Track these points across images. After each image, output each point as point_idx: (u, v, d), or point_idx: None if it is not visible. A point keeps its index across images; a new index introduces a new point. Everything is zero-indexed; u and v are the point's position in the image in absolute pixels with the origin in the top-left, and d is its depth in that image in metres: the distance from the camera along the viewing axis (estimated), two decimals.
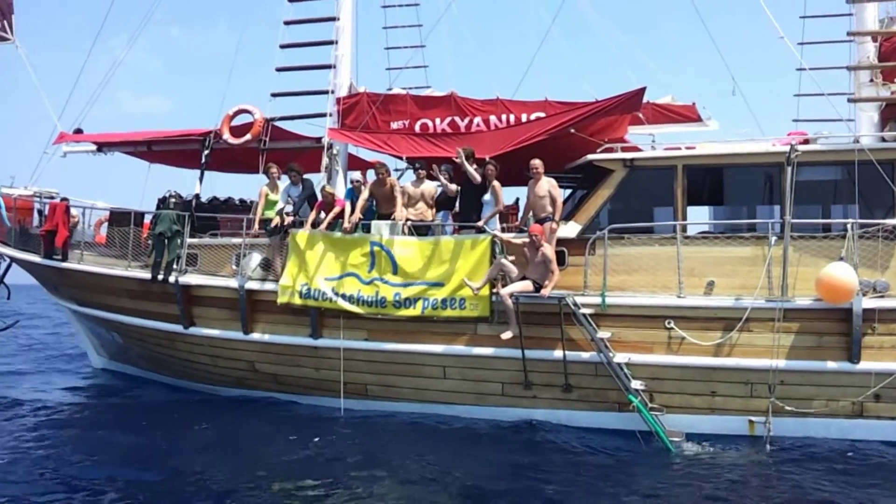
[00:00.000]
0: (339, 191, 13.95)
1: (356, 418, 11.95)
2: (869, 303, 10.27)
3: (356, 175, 13.28)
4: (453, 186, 12.20)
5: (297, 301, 12.32)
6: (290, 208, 13.09)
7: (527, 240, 11.13)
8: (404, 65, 17.69)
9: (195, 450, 10.17)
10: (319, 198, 12.88)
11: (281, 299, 12.39)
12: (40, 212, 15.68)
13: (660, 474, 9.26)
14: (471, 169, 11.83)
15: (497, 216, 11.97)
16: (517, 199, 14.53)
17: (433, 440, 10.82)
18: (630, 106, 12.63)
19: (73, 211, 15.14)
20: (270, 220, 12.94)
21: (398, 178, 16.07)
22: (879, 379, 10.13)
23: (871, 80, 12.88)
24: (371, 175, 12.89)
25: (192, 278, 13.14)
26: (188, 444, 10.46)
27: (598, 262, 11.34)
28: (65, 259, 14.43)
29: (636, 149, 12.54)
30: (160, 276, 13.17)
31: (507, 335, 11.00)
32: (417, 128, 14.55)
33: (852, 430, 10.38)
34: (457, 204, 12.25)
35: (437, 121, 14.63)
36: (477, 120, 14.42)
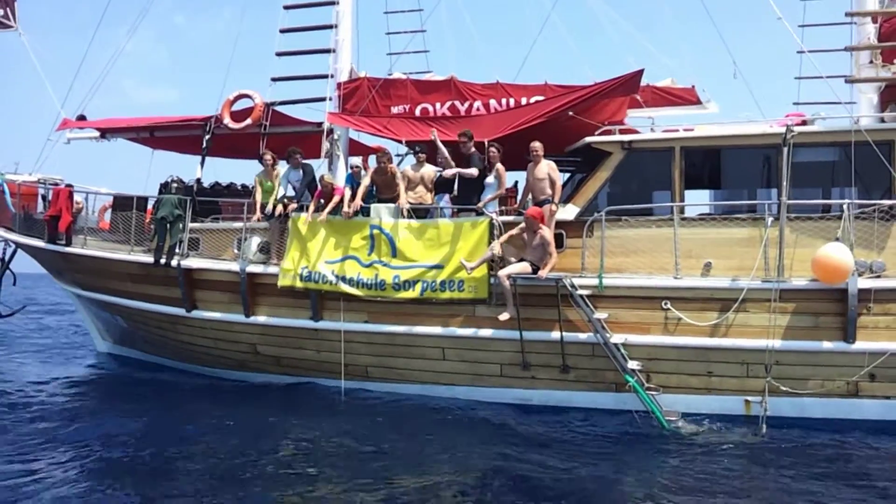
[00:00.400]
0: (340, 175, 14.03)
1: (357, 399, 12.08)
2: (864, 283, 10.31)
3: (356, 160, 13.36)
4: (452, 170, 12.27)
5: (298, 284, 12.42)
6: (291, 193, 13.17)
7: (523, 226, 11.20)
8: (404, 49, 17.68)
9: (196, 432, 10.26)
10: (319, 186, 12.96)
11: (282, 282, 12.49)
12: (44, 197, 15.80)
13: (655, 452, 9.38)
14: (444, 150, 12.25)
15: (497, 199, 12.05)
16: (516, 182, 14.60)
17: (432, 421, 10.93)
18: (628, 88, 12.65)
19: (77, 197, 15.27)
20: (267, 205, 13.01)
21: (399, 164, 16.19)
22: (874, 358, 10.18)
23: (871, 62, 12.87)
24: (373, 161, 12.96)
25: (193, 262, 13.27)
26: (188, 427, 10.53)
27: (595, 244, 11.42)
28: (68, 244, 14.56)
29: (635, 131, 12.58)
30: (162, 260, 13.30)
31: (504, 316, 11.08)
32: (418, 112, 14.62)
33: (847, 409, 10.44)
34: (455, 187, 12.29)
35: (438, 105, 14.68)
36: (477, 104, 14.45)
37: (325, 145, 14.34)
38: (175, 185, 14.17)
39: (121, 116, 17.95)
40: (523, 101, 14.08)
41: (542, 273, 10.84)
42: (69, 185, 15.33)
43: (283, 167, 13.51)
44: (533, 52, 17.13)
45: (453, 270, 11.72)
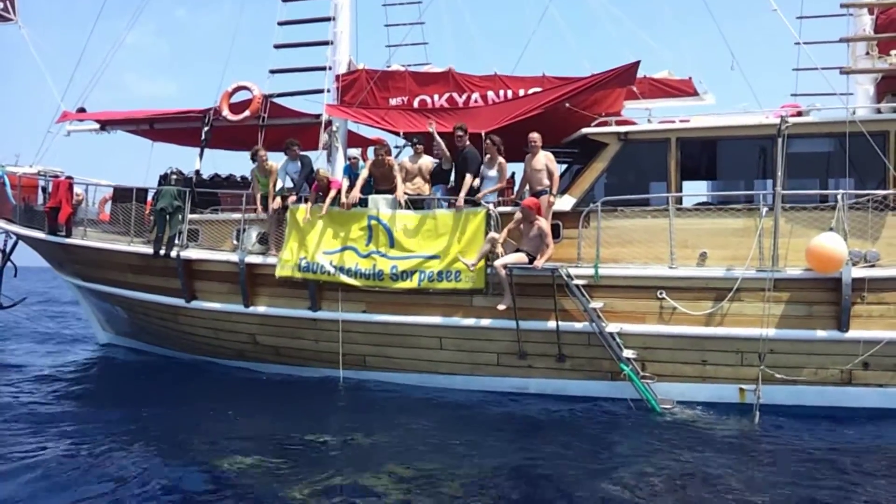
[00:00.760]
0: (339, 167, 14.09)
1: (355, 389, 12.18)
2: (858, 272, 10.39)
3: (354, 152, 13.42)
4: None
5: (297, 274, 12.51)
6: (290, 185, 13.22)
7: (519, 217, 11.28)
8: (402, 41, 17.73)
9: (193, 423, 10.28)
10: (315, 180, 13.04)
11: (280, 273, 12.58)
12: (44, 189, 15.87)
13: (648, 438, 9.46)
14: (441, 143, 12.31)
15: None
16: (513, 174, 14.64)
17: (429, 410, 11.01)
18: (625, 80, 12.69)
19: (78, 188, 15.36)
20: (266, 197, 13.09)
21: (397, 155, 16.25)
22: (867, 347, 10.26)
23: (868, 53, 12.90)
24: (372, 153, 13.03)
25: (193, 253, 13.35)
26: (186, 416, 10.60)
27: (591, 235, 11.49)
28: (68, 235, 14.65)
29: (632, 122, 12.63)
30: (162, 251, 13.38)
31: (502, 306, 11.17)
32: (416, 104, 14.64)
33: (840, 397, 10.53)
34: (452, 178, 12.35)
35: (436, 97, 14.72)
36: (475, 95, 14.50)
37: (324, 137, 14.39)
38: (174, 176, 14.25)
39: (120, 109, 18.02)
40: (521, 92, 14.10)
41: (538, 263, 10.91)
42: (69, 177, 15.41)
43: (281, 160, 13.54)
44: (531, 46, 17.16)
45: (451, 261, 11.80)
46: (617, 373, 10.85)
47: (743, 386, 10.75)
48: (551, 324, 11.27)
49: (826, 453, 8.83)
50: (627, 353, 10.78)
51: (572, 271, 11.03)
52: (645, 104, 14.33)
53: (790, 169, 11.49)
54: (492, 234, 11.44)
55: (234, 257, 12.93)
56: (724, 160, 12.25)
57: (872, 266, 10.61)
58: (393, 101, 14.80)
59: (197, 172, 14.85)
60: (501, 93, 14.38)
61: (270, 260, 12.78)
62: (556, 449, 8.96)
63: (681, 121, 12.27)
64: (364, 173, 12.59)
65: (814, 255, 10.35)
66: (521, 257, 11.10)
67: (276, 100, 15.01)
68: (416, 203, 12.29)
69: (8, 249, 16.55)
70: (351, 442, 9.37)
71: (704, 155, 12.33)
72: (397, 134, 14.14)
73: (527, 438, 9.48)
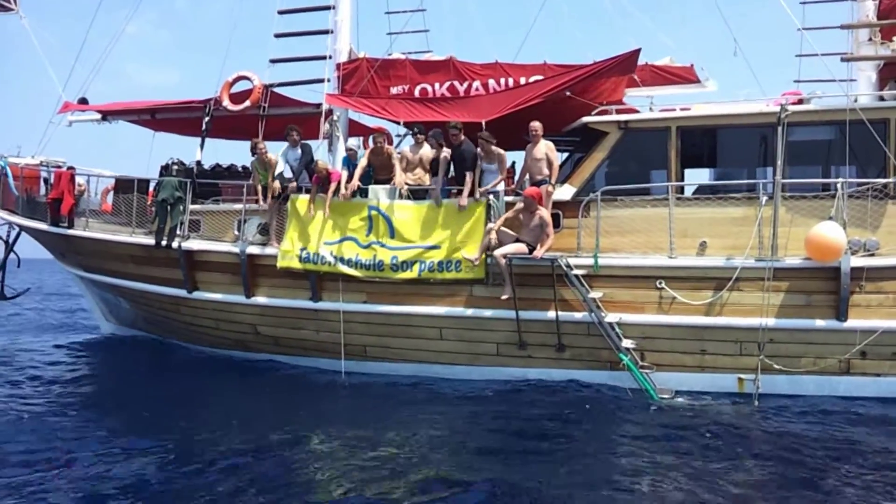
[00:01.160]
0: (340, 156, 14.08)
1: (356, 379, 12.25)
2: (857, 261, 10.38)
3: (354, 142, 13.41)
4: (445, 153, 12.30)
5: (297, 265, 12.54)
6: (289, 173, 13.21)
7: (519, 206, 11.28)
8: (403, 28, 17.66)
9: (195, 414, 10.34)
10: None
11: (281, 263, 12.61)
12: (46, 180, 15.91)
13: (646, 429, 9.48)
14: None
15: (501, 183, 12.07)
16: (514, 163, 14.63)
17: (429, 400, 11.06)
18: (625, 68, 12.67)
19: (80, 179, 15.41)
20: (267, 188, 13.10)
21: (399, 144, 16.24)
22: (866, 336, 10.27)
23: (870, 39, 12.82)
24: (371, 142, 13.01)
25: (194, 244, 13.38)
26: (187, 408, 10.64)
27: (591, 224, 11.49)
28: (70, 226, 14.70)
29: (633, 110, 12.59)
30: (163, 242, 13.42)
31: (504, 296, 11.19)
32: (417, 92, 14.63)
33: (839, 386, 10.55)
34: (451, 168, 12.33)
35: (437, 85, 14.70)
36: (476, 84, 14.47)
37: (325, 127, 14.38)
38: (176, 167, 14.24)
39: (122, 100, 18.04)
40: (522, 80, 14.07)
41: (538, 253, 10.91)
42: (71, 168, 15.45)
43: (274, 151, 13.54)
44: (533, 33, 17.12)
45: (451, 251, 11.82)
46: (616, 362, 10.87)
47: (742, 375, 10.78)
48: (551, 314, 11.29)
49: (821, 442, 8.83)
50: (626, 343, 10.80)
51: (572, 261, 11.03)
52: (647, 92, 14.28)
53: (792, 157, 11.47)
54: (490, 225, 11.44)
55: (235, 248, 12.96)
56: (724, 149, 12.20)
57: (872, 255, 10.60)
58: (394, 90, 14.80)
59: (198, 163, 14.88)
60: (503, 81, 14.36)
61: (271, 251, 12.80)
62: (553, 438, 8.98)
63: (681, 109, 12.24)
64: (363, 162, 12.59)
65: (813, 244, 10.33)
66: (520, 247, 11.10)
67: (277, 89, 15.00)
68: (416, 193, 12.29)
69: (11, 240, 16.63)
70: (353, 433, 9.40)
71: (705, 144, 12.27)
72: (398, 123, 14.13)
73: (523, 428, 9.48)
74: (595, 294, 10.99)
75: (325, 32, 14.76)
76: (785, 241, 10.80)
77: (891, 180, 10.77)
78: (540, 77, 13.79)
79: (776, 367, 10.48)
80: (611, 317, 10.95)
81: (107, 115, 17.08)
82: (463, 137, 12.06)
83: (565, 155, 14.61)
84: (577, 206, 11.64)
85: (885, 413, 9.93)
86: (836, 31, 14.24)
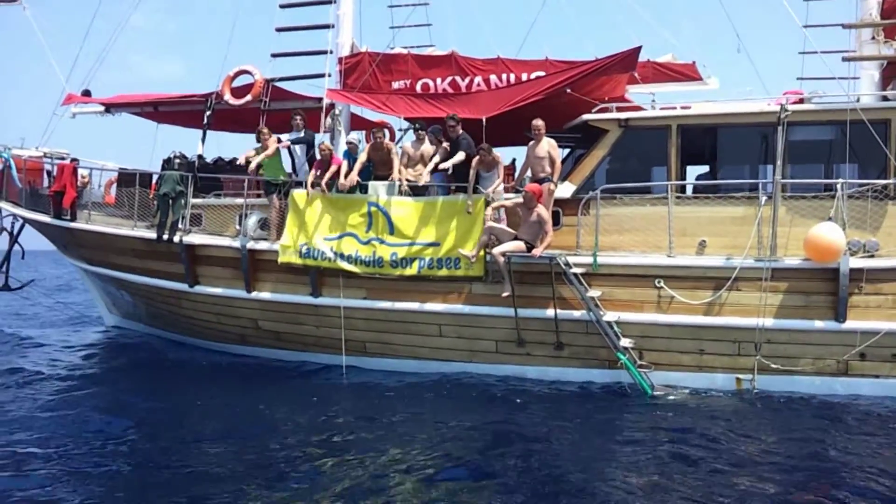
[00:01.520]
0: (342, 151, 14.09)
1: (355, 375, 12.31)
2: (856, 262, 10.36)
3: (354, 136, 13.41)
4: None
5: (297, 260, 12.58)
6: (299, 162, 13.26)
7: (520, 200, 11.29)
8: (405, 22, 17.65)
9: (198, 410, 10.41)
10: (318, 156, 13.08)
11: (281, 259, 12.64)
12: (49, 173, 15.97)
13: (642, 426, 9.52)
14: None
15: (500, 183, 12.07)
16: (514, 160, 14.63)
17: (428, 397, 11.11)
18: (626, 65, 12.63)
19: (83, 171, 15.45)
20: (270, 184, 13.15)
21: (401, 138, 16.25)
22: (865, 338, 10.28)
23: (873, 38, 12.77)
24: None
25: (195, 238, 13.42)
26: (190, 406, 10.67)
27: (591, 222, 11.51)
28: (73, 219, 14.75)
29: (636, 108, 12.58)
30: (165, 236, 13.46)
31: (505, 293, 11.21)
32: (419, 87, 14.62)
33: (837, 387, 10.55)
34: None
35: (438, 80, 14.68)
36: (477, 79, 14.44)
37: (327, 121, 14.39)
38: (178, 160, 14.28)
39: (129, 91, 18.09)
40: (524, 76, 14.05)
41: (537, 252, 10.92)
42: (75, 160, 15.49)
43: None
44: (536, 28, 17.05)
45: (450, 248, 11.84)
46: (614, 361, 10.89)
47: (739, 376, 10.80)
48: (550, 312, 11.31)
49: (818, 443, 8.85)
50: (624, 342, 10.81)
51: (571, 259, 11.05)
52: (648, 89, 14.26)
53: (794, 156, 11.47)
54: (490, 223, 11.45)
55: (236, 243, 13.00)
56: (725, 147, 12.17)
57: (871, 256, 10.59)
58: (395, 85, 14.79)
59: (199, 157, 14.92)
60: (504, 76, 14.32)
61: (272, 245, 12.84)
62: (549, 437, 9.02)
63: (682, 107, 12.22)
64: (362, 157, 12.60)
65: (812, 245, 10.33)
66: (519, 245, 11.11)
67: (278, 84, 15.00)
68: (416, 190, 12.30)
69: (15, 232, 16.70)
70: (353, 430, 9.46)
71: (705, 142, 12.25)
72: (399, 118, 14.12)
73: (519, 426, 9.52)
74: (594, 293, 11.00)
75: (327, 27, 14.74)
76: (785, 241, 10.81)
77: (891, 181, 10.74)
78: (542, 73, 13.79)
79: (773, 367, 10.49)
80: (609, 315, 10.97)
81: (110, 107, 17.13)
82: (461, 131, 12.07)
83: (566, 152, 14.59)
84: (577, 204, 11.65)
85: (882, 414, 9.94)
86: (839, 29, 14.21)
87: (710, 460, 8.00)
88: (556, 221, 11.84)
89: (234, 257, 13.01)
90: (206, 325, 14.06)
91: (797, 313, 10.59)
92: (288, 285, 12.86)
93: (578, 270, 10.95)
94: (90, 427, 9.47)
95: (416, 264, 12.00)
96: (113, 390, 11.71)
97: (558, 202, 11.86)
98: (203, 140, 15.13)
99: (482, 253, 11.47)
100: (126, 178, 15.23)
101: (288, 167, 13.62)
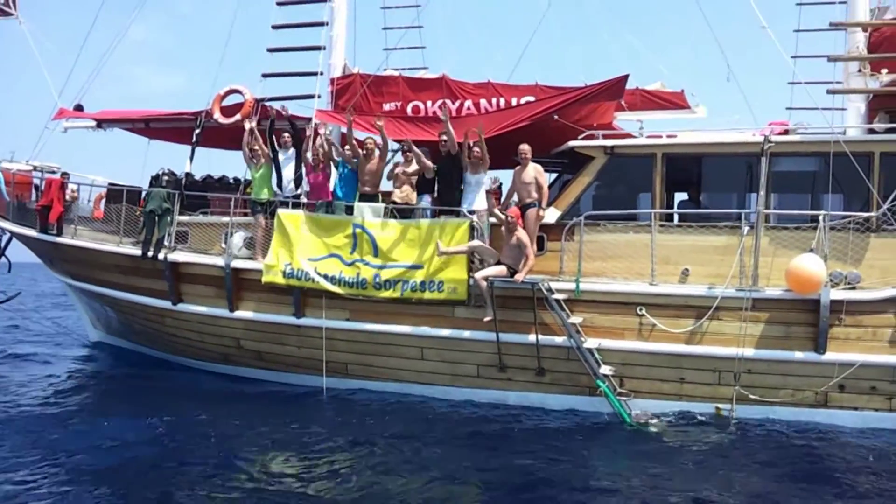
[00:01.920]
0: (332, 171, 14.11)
1: (336, 397, 12.24)
2: (837, 294, 10.36)
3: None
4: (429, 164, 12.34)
5: (281, 280, 12.54)
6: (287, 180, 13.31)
7: (502, 216, 11.30)
8: (397, 44, 17.77)
9: (176, 431, 10.28)
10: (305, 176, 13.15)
11: (265, 278, 12.61)
12: (37, 187, 15.98)
13: (620, 454, 9.49)
14: (422, 156, 12.22)
15: (483, 198, 12.08)
16: (500, 184, 14.66)
17: (409, 421, 11.03)
18: (613, 93, 12.71)
19: (73, 186, 15.45)
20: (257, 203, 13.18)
21: (391, 158, 16.26)
22: (844, 369, 10.24)
23: (860, 71, 12.87)
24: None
25: (180, 255, 13.40)
26: (171, 425, 10.54)
27: (575, 248, 11.51)
28: (59, 234, 14.73)
29: (622, 135, 12.64)
30: (150, 253, 13.44)
31: (487, 317, 11.20)
32: (409, 109, 14.68)
33: (817, 418, 10.50)
34: (436, 188, 12.37)
35: (429, 103, 14.72)
36: (468, 103, 14.50)
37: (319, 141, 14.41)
38: (166, 177, 14.33)
39: (132, 107, 18.14)
40: (514, 101, 14.11)
41: (519, 277, 10.91)
42: (65, 174, 15.52)
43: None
44: (528, 53, 17.18)
45: (433, 271, 11.82)
46: (595, 388, 10.83)
47: (719, 405, 10.74)
48: (531, 337, 11.28)
49: (794, 473, 8.83)
50: (604, 370, 10.78)
51: (554, 285, 11.03)
52: (637, 116, 14.34)
53: (779, 186, 11.53)
54: (474, 241, 11.45)
55: (220, 261, 12.97)
56: (709, 176, 12.22)
57: (853, 288, 10.60)
58: (386, 106, 14.84)
59: (187, 174, 14.92)
60: (494, 101, 14.38)
61: (256, 265, 12.81)
62: (529, 462, 9.00)
63: (668, 136, 12.26)
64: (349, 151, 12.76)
65: (792, 276, 10.33)
66: (500, 270, 11.11)
67: (269, 103, 15.02)
68: (402, 212, 12.31)
69: (3, 246, 16.66)
70: (331, 452, 9.42)
71: (690, 171, 12.29)
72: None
73: (499, 451, 9.49)
74: (576, 319, 10.98)
75: (318, 48, 14.80)
76: (768, 272, 10.81)
77: (873, 214, 10.77)
78: (531, 98, 13.86)
79: (752, 397, 10.46)
80: (590, 342, 10.93)
81: (101, 122, 17.16)
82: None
83: (554, 175, 14.65)
84: (561, 230, 11.67)
85: (862, 445, 9.90)
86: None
87: (686, 495, 7.95)
88: (540, 247, 11.86)
89: (218, 276, 12.99)
90: (188, 343, 14.00)
91: (777, 344, 10.58)
92: (271, 305, 12.83)
93: (560, 296, 10.93)
94: (63, 446, 9.40)
95: (399, 286, 11.97)
96: (89, 410, 11.66)
97: (543, 227, 11.88)
98: (191, 158, 15.13)
99: (462, 274, 11.47)
100: (115, 194, 15.23)
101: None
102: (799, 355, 10.49)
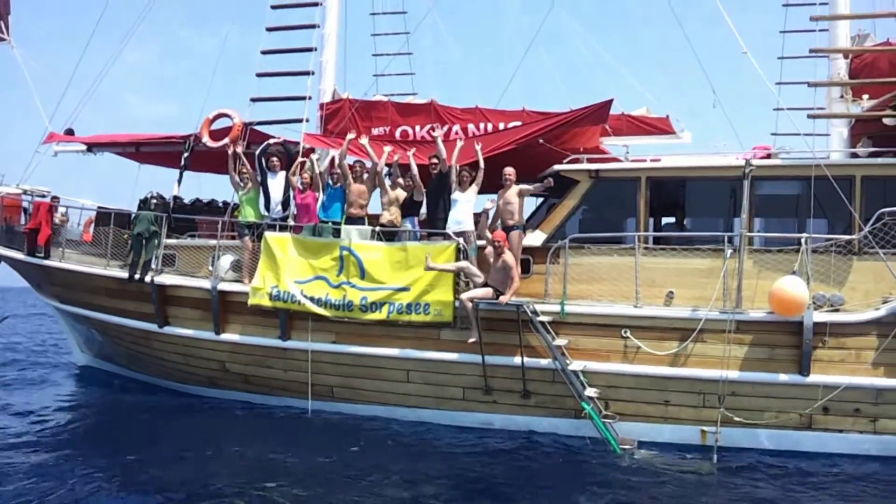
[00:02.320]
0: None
1: (322, 421, 12.19)
2: (820, 316, 10.40)
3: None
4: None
5: (267, 303, 12.54)
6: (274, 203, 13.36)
7: (490, 237, 11.35)
8: (385, 70, 17.94)
9: (162, 456, 10.22)
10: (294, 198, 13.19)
11: (251, 301, 12.61)
12: (25, 210, 16.00)
13: (606, 479, 9.44)
14: (416, 174, 12.41)
15: (471, 216, 12.14)
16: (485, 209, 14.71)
17: (394, 444, 11.02)
18: (598, 118, 12.86)
19: (62, 209, 15.48)
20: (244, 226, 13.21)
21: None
22: (828, 391, 10.25)
23: (842, 97, 13.07)
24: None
25: (166, 278, 13.39)
26: (154, 451, 10.49)
27: (560, 271, 11.56)
28: (47, 257, 14.73)
29: (607, 159, 12.74)
30: (137, 276, 13.44)
31: (472, 339, 11.20)
32: (398, 134, 14.79)
33: (800, 441, 10.51)
34: (423, 209, 12.44)
35: (417, 128, 14.85)
36: (455, 128, 14.59)
37: (307, 164, 14.48)
38: (154, 200, 14.38)
39: (121, 129, 18.17)
40: (501, 126, 14.22)
41: (504, 299, 10.93)
42: (55, 198, 15.55)
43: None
44: (515, 80, 17.34)
45: (420, 293, 11.84)
46: (580, 410, 10.81)
47: (704, 427, 10.73)
48: (516, 359, 11.27)
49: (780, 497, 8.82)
50: (589, 392, 10.78)
51: (539, 307, 11.06)
52: (623, 141, 14.48)
53: (763, 209, 11.61)
54: (463, 262, 11.49)
55: (206, 283, 12.97)
56: (693, 200, 12.33)
57: (836, 310, 10.64)
58: (375, 131, 14.94)
59: (175, 198, 14.96)
60: (482, 126, 14.49)
61: (242, 287, 12.82)
62: (513, 485, 8.99)
63: (652, 160, 12.38)
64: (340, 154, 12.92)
65: (775, 298, 10.37)
66: (486, 292, 11.13)
67: (257, 127, 15.11)
68: (388, 235, 12.35)
69: None
70: (315, 475, 9.38)
71: (674, 194, 12.39)
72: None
73: (483, 476, 9.47)
74: (561, 341, 11.00)
75: (306, 74, 14.93)
76: (752, 294, 10.87)
77: (855, 237, 10.85)
78: (518, 123, 13.98)
79: (737, 419, 10.45)
80: (575, 365, 10.94)
81: (92, 146, 17.21)
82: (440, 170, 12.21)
83: (539, 200, 14.74)
84: (547, 253, 11.72)
85: (845, 469, 9.91)
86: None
87: None
88: (526, 269, 11.90)
89: (205, 298, 12.98)
90: (174, 366, 13.95)
91: (761, 366, 10.60)
92: (257, 328, 12.81)
93: (545, 318, 10.95)
94: (46, 472, 9.32)
95: (385, 309, 11.98)
96: (73, 436, 11.57)
97: (529, 250, 11.94)
98: (179, 181, 15.18)
99: (448, 296, 11.49)
100: (104, 217, 15.25)
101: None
102: (783, 377, 10.51)
